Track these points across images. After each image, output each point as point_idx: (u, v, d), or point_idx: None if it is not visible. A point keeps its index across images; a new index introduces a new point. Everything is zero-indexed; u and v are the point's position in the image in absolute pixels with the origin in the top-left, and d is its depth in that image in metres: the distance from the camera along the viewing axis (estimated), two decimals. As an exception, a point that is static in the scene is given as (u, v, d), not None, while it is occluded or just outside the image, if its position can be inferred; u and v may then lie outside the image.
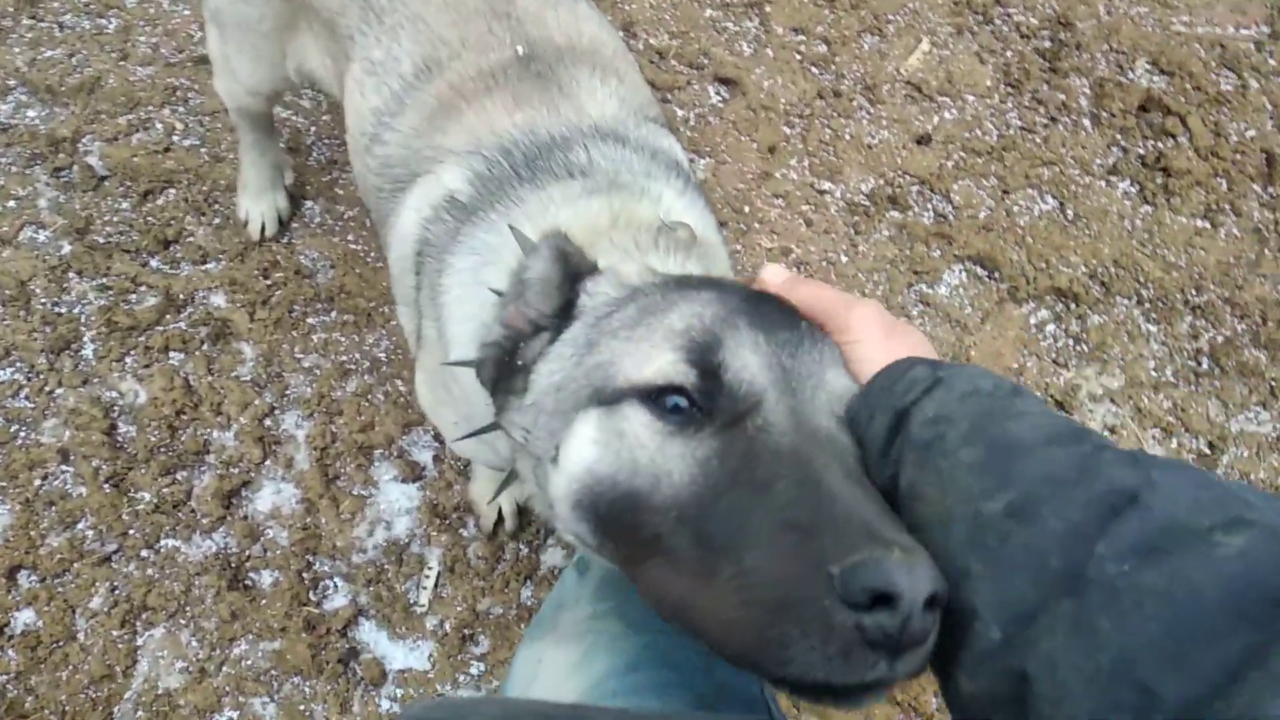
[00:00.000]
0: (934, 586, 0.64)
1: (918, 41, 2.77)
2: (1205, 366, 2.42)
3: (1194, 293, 2.50)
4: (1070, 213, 2.57)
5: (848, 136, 2.60)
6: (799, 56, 2.70)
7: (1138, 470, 0.65)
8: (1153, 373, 2.39)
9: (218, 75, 1.92)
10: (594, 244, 1.09)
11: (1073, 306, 2.44)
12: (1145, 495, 0.63)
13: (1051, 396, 2.32)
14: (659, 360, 0.85)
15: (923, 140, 2.62)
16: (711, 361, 0.83)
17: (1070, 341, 2.41)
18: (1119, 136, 2.70)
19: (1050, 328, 2.42)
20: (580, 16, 1.43)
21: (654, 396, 0.84)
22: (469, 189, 1.25)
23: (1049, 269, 2.47)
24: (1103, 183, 2.64)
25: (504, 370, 0.99)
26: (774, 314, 0.89)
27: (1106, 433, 2.30)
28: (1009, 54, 2.79)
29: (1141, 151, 2.68)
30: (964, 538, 0.68)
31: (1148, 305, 2.47)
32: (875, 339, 0.88)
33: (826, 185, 2.53)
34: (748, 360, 0.84)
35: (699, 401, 0.83)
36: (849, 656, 0.64)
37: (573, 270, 0.97)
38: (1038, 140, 2.67)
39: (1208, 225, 2.61)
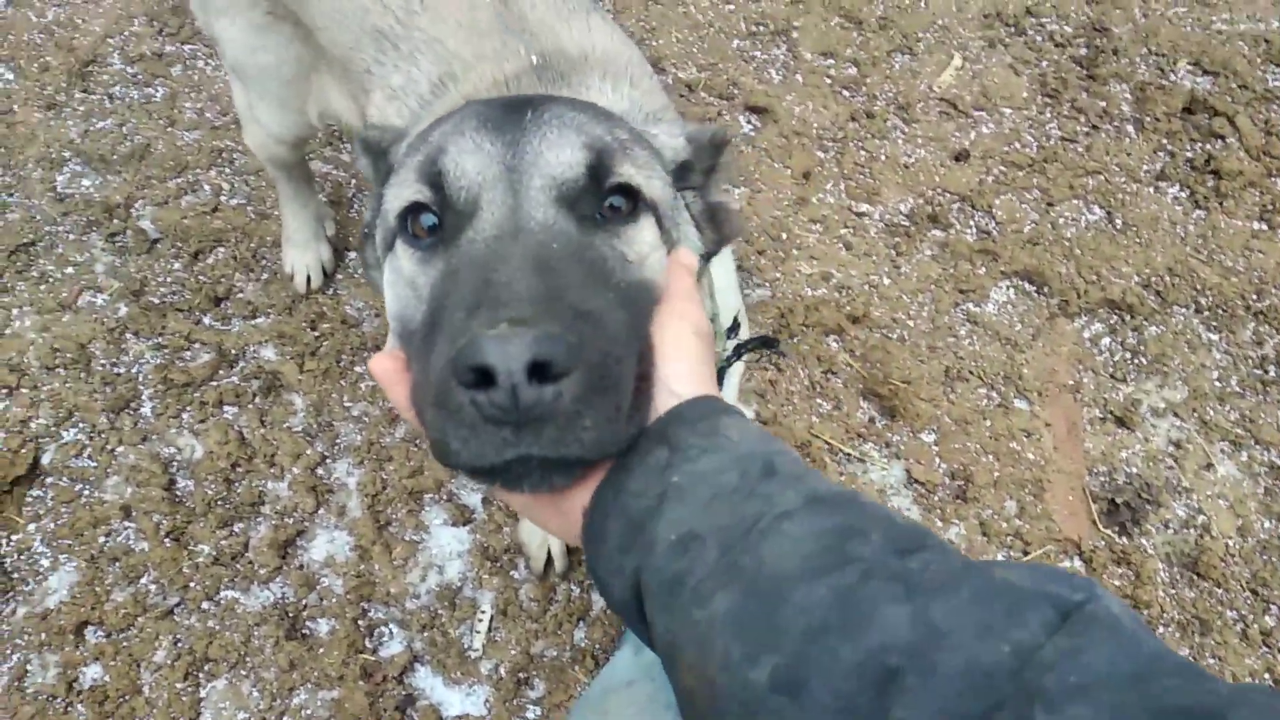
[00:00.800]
0: (531, 355, 0.61)
1: (949, 58, 2.75)
2: (1273, 374, 2.33)
3: (1255, 298, 2.42)
4: (1119, 222, 2.51)
5: (883, 157, 2.58)
6: (829, 80, 2.69)
7: (912, 607, 0.56)
8: (1217, 383, 2.31)
9: (245, 127, 1.97)
10: None
11: (1128, 318, 2.38)
12: (926, 654, 0.53)
13: (1111, 413, 2.25)
14: (407, 189, 0.88)
15: (961, 156, 2.58)
16: (433, 169, 0.86)
17: (1128, 355, 2.34)
18: (1165, 141, 2.63)
19: (1106, 341, 2.36)
20: (594, 29, 1.44)
21: (406, 225, 0.88)
22: None
23: (1100, 281, 2.40)
24: (1151, 189, 2.57)
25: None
26: (508, 114, 0.89)
27: (1172, 448, 2.22)
28: (1044, 64, 2.75)
29: (1189, 155, 2.61)
30: (735, 717, 0.59)
31: (1207, 313, 2.39)
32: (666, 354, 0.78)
33: (864, 207, 2.51)
34: (464, 165, 0.85)
35: (442, 216, 0.86)
36: (478, 436, 0.64)
37: (378, 147, 1.02)
38: (1080, 149, 2.62)
39: (1264, 227, 2.52)
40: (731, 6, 2.81)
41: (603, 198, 0.86)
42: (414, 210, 0.87)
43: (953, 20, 2.80)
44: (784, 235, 2.46)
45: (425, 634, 1.99)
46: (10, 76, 2.62)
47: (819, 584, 0.59)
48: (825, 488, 0.67)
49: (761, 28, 2.77)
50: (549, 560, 2.04)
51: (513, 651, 1.97)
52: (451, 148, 0.87)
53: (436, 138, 0.90)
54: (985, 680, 0.50)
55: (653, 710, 1.15)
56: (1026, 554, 2.08)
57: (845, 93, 2.68)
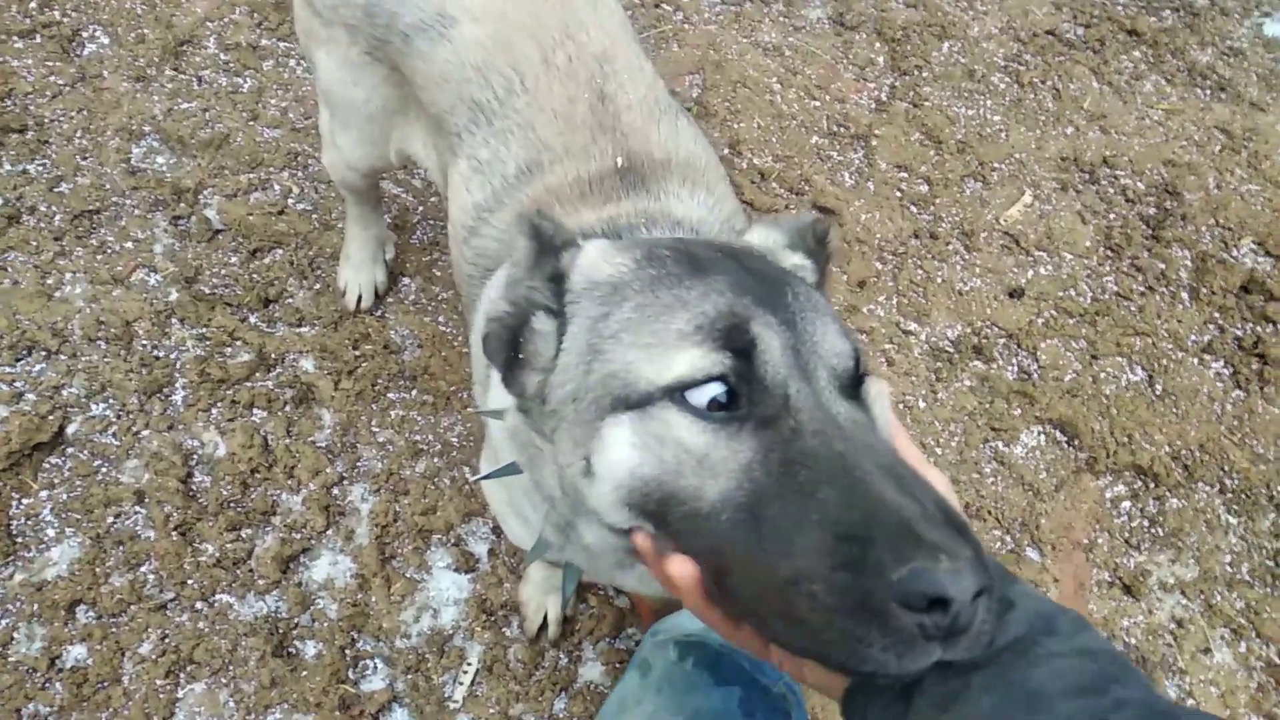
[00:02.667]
0: (979, 584, 0.70)
1: (1020, 193, 2.77)
2: (1285, 568, 2.33)
3: (1280, 488, 2.42)
4: (1159, 387, 2.52)
5: (939, 280, 2.60)
6: (899, 194, 2.72)
7: None
8: (1228, 568, 2.31)
9: (325, 148, 2.00)
10: None
11: (1152, 486, 2.38)
12: None
13: (1120, 579, 2.25)
14: (686, 357, 0.84)
15: (1015, 293, 2.60)
16: (744, 340, 0.84)
17: (1145, 523, 2.34)
18: (1217, 315, 2.65)
19: (1126, 505, 2.36)
20: (680, 132, 1.47)
21: (688, 392, 0.84)
22: None
23: (1131, 444, 2.41)
24: (1195, 360, 2.58)
25: (512, 351, 0.98)
26: (764, 288, 0.90)
27: (1174, 625, 2.22)
28: (1112, 216, 2.77)
29: (1239, 333, 2.63)
30: None
31: (1230, 496, 2.40)
32: None
33: (912, 326, 2.53)
34: (771, 344, 0.85)
35: (739, 389, 0.84)
36: (913, 650, 0.72)
37: (549, 244, 0.98)
38: (1133, 308, 2.63)
39: (1301, 419, 2.53)
40: (817, 103, 2.84)
41: (857, 385, 0.91)
42: (709, 380, 0.83)
43: (1030, 157, 2.83)
44: (829, 340, 2.47)
45: (409, 676, 1.99)
46: (106, 41, 2.66)
47: (1077, 702, 0.72)
48: (1099, 645, 0.79)
49: (843, 129, 2.80)
50: (544, 625, 2.04)
51: (491, 710, 1.97)
52: (755, 320, 0.85)
53: (715, 305, 0.86)
54: None
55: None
56: (1014, 709, 2.08)
57: (913, 208, 2.70)
